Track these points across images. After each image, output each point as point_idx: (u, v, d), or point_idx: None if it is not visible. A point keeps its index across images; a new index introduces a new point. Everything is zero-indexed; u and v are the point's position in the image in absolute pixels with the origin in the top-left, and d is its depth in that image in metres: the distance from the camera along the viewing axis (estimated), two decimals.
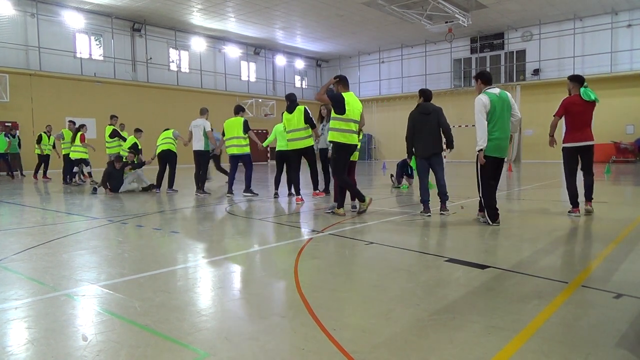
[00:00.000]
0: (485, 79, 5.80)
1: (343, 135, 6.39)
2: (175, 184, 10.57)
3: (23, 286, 3.40)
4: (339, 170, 6.51)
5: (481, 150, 5.60)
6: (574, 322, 2.58)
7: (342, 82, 6.62)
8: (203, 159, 9.74)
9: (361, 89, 32.03)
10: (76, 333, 2.52)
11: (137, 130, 11.85)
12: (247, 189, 9.26)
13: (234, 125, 9.20)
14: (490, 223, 5.65)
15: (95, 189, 10.49)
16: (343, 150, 6.45)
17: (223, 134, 9.35)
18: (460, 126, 24.16)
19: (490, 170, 5.72)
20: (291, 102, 8.34)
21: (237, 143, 9.17)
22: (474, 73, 27.64)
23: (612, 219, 6.20)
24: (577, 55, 23.97)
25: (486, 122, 5.58)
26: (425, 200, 6.52)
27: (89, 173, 13.42)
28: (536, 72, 25.29)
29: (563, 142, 6.54)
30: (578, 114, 6.31)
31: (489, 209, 5.69)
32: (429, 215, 6.39)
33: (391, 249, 4.60)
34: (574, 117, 6.33)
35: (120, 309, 2.88)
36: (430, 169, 6.61)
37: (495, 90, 5.70)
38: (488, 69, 27.21)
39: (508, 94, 5.80)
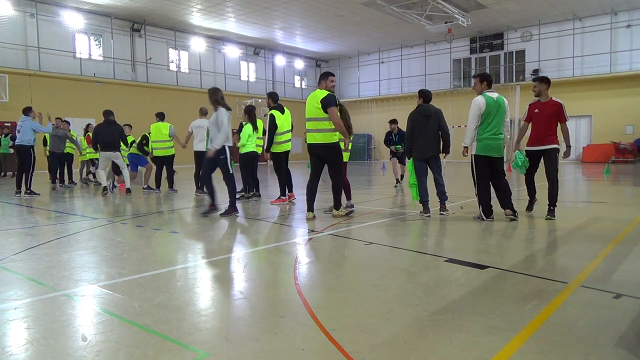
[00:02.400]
0: (489, 82, 6.05)
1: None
2: (174, 184, 10.57)
3: (22, 286, 3.39)
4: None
5: (466, 147, 6.08)
6: (573, 322, 2.58)
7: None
8: (203, 159, 9.72)
9: (361, 89, 32.06)
10: (76, 333, 2.52)
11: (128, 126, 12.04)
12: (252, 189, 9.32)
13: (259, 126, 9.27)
14: (484, 218, 5.92)
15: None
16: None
17: (239, 132, 9.25)
18: (459, 126, 24.15)
19: (483, 169, 5.97)
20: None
21: (260, 143, 9.17)
22: (473, 73, 27.68)
23: (612, 219, 6.20)
24: (577, 55, 23.99)
25: (477, 124, 5.92)
26: (424, 200, 6.52)
27: (93, 173, 13.42)
28: (536, 72, 25.28)
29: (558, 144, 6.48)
30: None
31: (483, 205, 5.97)
32: (429, 216, 6.40)
33: (390, 249, 4.60)
34: None
35: (119, 309, 2.87)
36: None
37: (494, 95, 5.95)
38: (488, 70, 27.25)
39: (505, 100, 6.03)
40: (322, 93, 6.14)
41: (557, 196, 6.19)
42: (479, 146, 5.94)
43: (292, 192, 8.35)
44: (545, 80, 6.26)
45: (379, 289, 3.26)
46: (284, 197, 8.15)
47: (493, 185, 6.07)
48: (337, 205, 6.42)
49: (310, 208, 6.39)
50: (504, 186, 6.01)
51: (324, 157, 6.36)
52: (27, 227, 6.08)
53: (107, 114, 10.03)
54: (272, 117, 7.86)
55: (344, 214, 6.42)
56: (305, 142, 6.45)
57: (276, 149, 8.01)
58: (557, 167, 6.30)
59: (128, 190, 10.04)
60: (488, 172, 6.00)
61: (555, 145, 6.29)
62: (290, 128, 8.24)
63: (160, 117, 10.41)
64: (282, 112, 8.07)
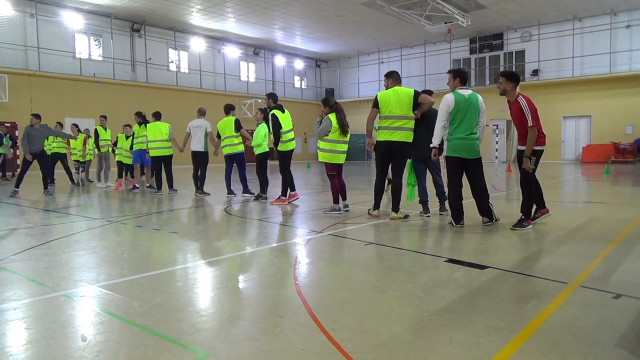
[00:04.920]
0: (462, 78, 5.72)
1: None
2: (175, 185, 10.56)
3: (22, 287, 3.39)
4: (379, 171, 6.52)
5: (434, 147, 5.76)
6: (573, 322, 2.58)
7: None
8: (202, 160, 9.73)
9: (360, 90, 32.05)
10: (75, 333, 2.52)
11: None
12: (245, 189, 9.27)
13: (226, 125, 9.17)
14: (454, 224, 5.64)
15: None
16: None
17: (218, 136, 9.27)
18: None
19: (456, 170, 5.68)
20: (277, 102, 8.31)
21: (229, 142, 9.13)
22: (473, 74, 27.70)
23: (611, 219, 6.20)
24: (576, 55, 24.00)
25: (445, 122, 5.63)
26: (424, 200, 6.52)
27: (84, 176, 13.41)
28: (535, 72, 25.30)
29: (539, 145, 5.38)
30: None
31: (453, 210, 5.68)
32: (428, 216, 6.40)
33: (390, 249, 4.60)
34: (538, 117, 5.36)
35: (119, 309, 2.87)
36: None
37: (466, 92, 5.62)
38: (487, 70, 27.28)
39: (480, 98, 5.66)
40: (410, 90, 6.08)
41: (527, 205, 5.42)
42: (449, 146, 5.66)
43: (294, 191, 8.33)
44: (512, 78, 5.40)
45: (378, 289, 3.26)
46: (283, 198, 8.15)
47: (470, 189, 5.76)
48: (395, 207, 6.20)
49: (377, 206, 6.42)
50: (478, 190, 5.67)
51: (398, 156, 6.20)
52: (26, 227, 6.08)
53: None
54: (275, 116, 7.93)
55: (402, 216, 6.19)
56: (374, 139, 6.34)
57: (282, 147, 8.04)
58: (525, 173, 5.40)
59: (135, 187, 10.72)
60: (460, 173, 5.70)
61: (524, 147, 5.38)
62: (292, 127, 8.25)
63: (157, 116, 10.28)
64: (282, 112, 8.12)
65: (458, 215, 5.66)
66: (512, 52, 26.39)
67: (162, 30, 24.60)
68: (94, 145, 12.53)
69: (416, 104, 6.06)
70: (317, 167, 23.94)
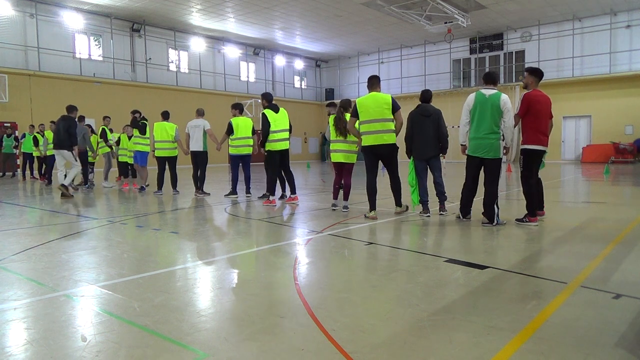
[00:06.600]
0: (485, 78, 5.88)
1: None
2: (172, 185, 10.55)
3: (22, 287, 3.39)
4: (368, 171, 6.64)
5: (463, 145, 5.94)
6: (573, 322, 2.58)
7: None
8: (201, 159, 9.72)
9: (360, 90, 32.05)
10: (75, 333, 2.52)
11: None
12: (248, 190, 9.27)
13: (247, 124, 9.17)
14: (461, 218, 6.00)
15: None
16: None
17: (229, 133, 9.18)
18: (458, 127, 24.16)
19: (471, 168, 5.90)
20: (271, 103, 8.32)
21: (246, 143, 9.11)
22: (473, 73, 27.70)
23: (612, 219, 6.20)
24: (576, 55, 24.00)
25: (466, 120, 5.84)
26: (424, 200, 6.53)
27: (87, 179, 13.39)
28: None
29: (527, 143, 5.67)
30: (543, 113, 5.63)
31: (462, 205, 6.00)
32: (428, 216, 6.40)
33: (390, 249, 4.60)
34: (538, 116, 5.60)
35: (119, 309, 2.87)
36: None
37: (489, 92, 5.68)
38: (487, 70, 27.24)
39: (504, 98, 5.61)
40: (387, 95, 6.27)
41: (527, 202, 5.68)
42: (469, 146, 5.82)
43: (295, 194, 8.32)
44: (534, 73, 5.71)
45: (378, 289, 3.26)
46: (272, 198, 8.15)
47: (484, 187, 5.83)
48: (398, 202, 6.64)
49: (372, 207, 6.42)
50: (489, 191, 5.71)
51: (387, 157, 6.39)
52: (26, 227, 6.08)
53: (67, 109, 9.91)
54: (264, 115, 7.99)
55: (405, 209, 6.73)
56: (360, 144, 6.47)
57: (269, 146, 8.03)
58: (522, 170, 5.80)
59: (142, 189, 10.78)
60: (476, 172, 5.82)
61: (521, 146, 5.78)
62: (288, 128, 8.24)
63: (165, 116, 10.20)
64: (276, 111, 8.12)
65: (465, 210, 5.99)
66: (512, 52, 26.40)
67: (162, 30, 24.60)
68: (103, 145, 12.59)
69: (394, 108, 6.19)
70: (317, 167, 23.97)
